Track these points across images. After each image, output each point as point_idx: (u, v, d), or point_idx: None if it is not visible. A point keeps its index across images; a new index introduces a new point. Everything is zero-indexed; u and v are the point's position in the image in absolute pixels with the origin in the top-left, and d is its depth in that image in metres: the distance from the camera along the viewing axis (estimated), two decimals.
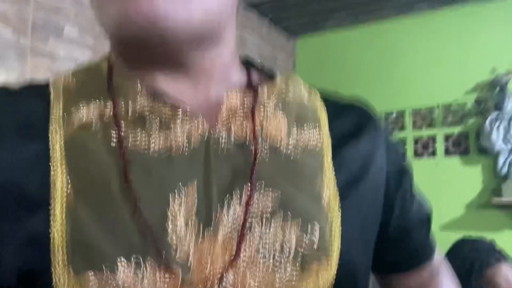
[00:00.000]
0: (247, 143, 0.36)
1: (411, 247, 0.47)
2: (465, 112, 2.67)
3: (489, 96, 2.57)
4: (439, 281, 0.49)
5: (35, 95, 0.37)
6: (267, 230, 0.33)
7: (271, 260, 0.32)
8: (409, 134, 2.84)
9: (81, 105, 0.35)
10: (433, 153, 2.75)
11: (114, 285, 0.29)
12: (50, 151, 0.33)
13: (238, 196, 0.33)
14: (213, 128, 0.36)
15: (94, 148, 0.33)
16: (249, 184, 0.34)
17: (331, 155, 0.39)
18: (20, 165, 0.32)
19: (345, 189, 0.38)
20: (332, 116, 0.42)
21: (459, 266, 1.21)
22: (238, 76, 0.41)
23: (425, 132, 2.79)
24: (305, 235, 0.33)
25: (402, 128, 2.87)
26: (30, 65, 1.51)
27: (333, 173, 0.38)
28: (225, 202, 0.33)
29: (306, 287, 0.32)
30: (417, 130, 2.82)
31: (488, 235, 1.36)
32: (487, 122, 2.47)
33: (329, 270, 0.33)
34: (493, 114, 2.47)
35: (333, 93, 0.46)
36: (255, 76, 0.43)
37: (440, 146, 2.74)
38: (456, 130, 2.70)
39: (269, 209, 0.33)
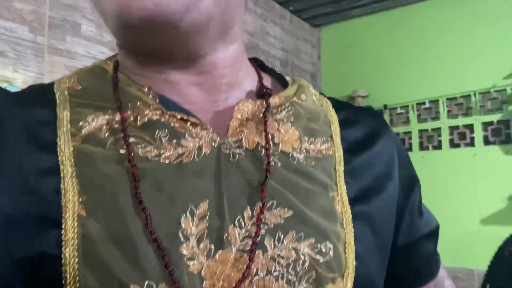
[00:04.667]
0: (258, 155, 0.35)
1: (417, 262, 0.45)
2: (504, 98, 2.50)
3: None
4: None
5: (41, 100, 0.36)
6: (280, 249, 0.32)
7: (284, 279, 0.31)
8: (444, 124, 2.69)
9: (88, 116, 0.34)
10: (471, 143, 2.60)
11: None
12: (60, 165, 0.32)
13: (250, 214, 0.33)
14: (224, 138, 0.35)
15: (103, 160, 0.33)
16: (261, 201, 0.33)
17: (343, 167, 0.38)
18: (31, 180, 0.31)
19: (358, 203, 0.37)
20: (344, 125, 0.41)
21: (509, 255, 1.09)
22: (248, 80, 0.41)
23: (462, 121, 2.64)
24: (319, 255, 0.33)
25: (436, 117, 2.73)
26: (48, 63, 1.50)
27: (345, 186, 0.37)
28: (236, 221, 0.32)
29: None
30: (452, 120, 2.67)
31: None
32: None
33: None
34: None
35: (344, 101, 0.46)
36: (266, 81, 0.42)
37: (478, 135, 2.58)
38: (495, 117, 2.54)
39: (281, 228, 0.33)
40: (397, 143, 0.45)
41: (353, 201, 0.37)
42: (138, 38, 0.34)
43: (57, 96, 0.36)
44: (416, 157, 2.74)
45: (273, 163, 0.35)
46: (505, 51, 2.50)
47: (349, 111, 0.44)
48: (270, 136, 0.36)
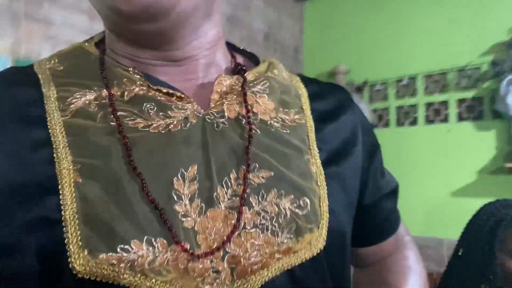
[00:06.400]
0: (240, 123, 0.39)
1: (380, 218, 0.51)
2: (479, 75, 2.57)
3: (506, 57, 2.46)
4: (401, 253, 0.54)
5: (24, 80, 0.37)
6: (264, 205, 0.36)
7: (269, 231, 0.35)
8: (420, 100, 2.76)
9: (76, 93, 0.36)
10: (446, 119, 2.68)
11: (129, 265, 0.30)
12: (52, 137, 0.33)
13: (235, 175, 0.36)
14: (207, 110, 0.38)
15: (94, 132, 0.34)
16: (246, 163, 0.36)
17: (314, 135, 0.42)
18: (24, 153, 0.33)
19: (329, 164, 0.42)
20: (313, 98, 0.46)
21: (482, 223, 1.12)
22: (223, 60, 0.44)
23: (437, 98, 2.71)
24: (298, 209, 0.37)
25: (413, 94, 2.79)
26: (25, 31, 1.46)
27: (317, 149, 0.42)
28: (224, 182, 0.35)
29: (300, 254, 0.36)
30: (429, 96, 2.74)
31: None
32: (503, 84, 2.37)
33: (320, 239, 0.37)
34: (510, 76, 2.37)
35: (311, 77, 0.50)
36: (240, 60, 0.46)
37: (452, 111, 2.66)
38: (470, 94, 2.61)
39: (264, 187, 0.36)
40: (360, 113, 0.49)
41: (325, 163, 0.41)
42: (131, 25, 0.36)
43: (39, 76, 0.37)
44: (393, 133, 2.81)
45: (253, 131, 0.39)
46: (482, 28, 2.55)
47: (316, 86, 0.48)
48: (249, 107, 0.40)
